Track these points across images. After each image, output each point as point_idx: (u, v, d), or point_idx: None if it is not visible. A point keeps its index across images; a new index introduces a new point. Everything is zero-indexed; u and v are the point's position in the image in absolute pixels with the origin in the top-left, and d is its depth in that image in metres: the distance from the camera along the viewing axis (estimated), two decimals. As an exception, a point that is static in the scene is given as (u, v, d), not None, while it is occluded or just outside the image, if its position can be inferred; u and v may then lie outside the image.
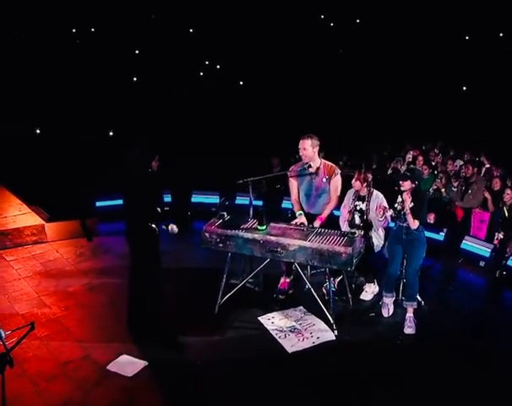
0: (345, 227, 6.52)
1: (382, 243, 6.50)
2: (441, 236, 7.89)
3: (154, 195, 5.94)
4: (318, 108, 16.04)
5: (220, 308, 6.29)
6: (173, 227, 6.18)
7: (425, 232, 7.87)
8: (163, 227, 6.08)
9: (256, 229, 6.04)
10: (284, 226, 6.15)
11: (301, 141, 6.34)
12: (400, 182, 5.85)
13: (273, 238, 5.87)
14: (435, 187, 9.00)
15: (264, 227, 6.04)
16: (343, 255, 5.56)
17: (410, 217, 5.81)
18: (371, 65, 18.15)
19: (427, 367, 5.39)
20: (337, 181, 6.43)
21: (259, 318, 6.20)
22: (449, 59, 17.39)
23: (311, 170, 6.34)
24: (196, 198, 9.63)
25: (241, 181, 6.46)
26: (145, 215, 5.75)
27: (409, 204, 5.81)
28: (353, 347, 5.70)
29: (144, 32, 18.73)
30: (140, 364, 5.36)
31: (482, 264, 7.46)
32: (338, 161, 11.90)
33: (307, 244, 5.72)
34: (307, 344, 5.72)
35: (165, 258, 7.73)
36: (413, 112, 15.81)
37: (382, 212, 6.01)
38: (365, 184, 6.42)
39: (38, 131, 14.09)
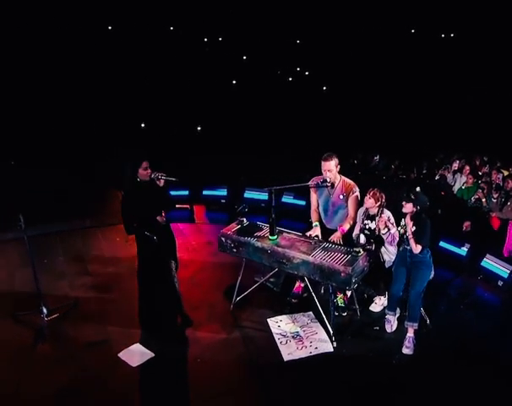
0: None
1: (393, 258, 5.68)
2: (463, 251, 6.78)
3: (142, 206, 5.12)
4: (381, 115, 14.89)
5: (235, 305, 5.94)
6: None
7: (447, 246, 6.90)
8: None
9: (268, 238, 5.47)
10: (295, 237, 5.54)
11: (324, 163, 5.60)
12: (403, 203, 5.00)
13: (280, 249, 5.34)
14: (477, 196, 8.14)
15: (275, 237, 5.49)
16: (342, 274, 4.93)
17: (412, 242, 5.00)
18: (438, 78, 16.51)
19: (415, 387, 4.71)
20: (354, 199, 5.69)
21: (268, 320, 5.76)
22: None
23: (327, 184, 5.58)
24: (248, 194, 9.11)
25: (266, 188, 5.93)
26: (138, 223, 5.19)
27: (411, 228, 4.98)
28: (348, 361, 5.12)
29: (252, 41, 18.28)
30: (147, 355, 5.14)
31: (500, 283, 6.32)
32: (390, 164, 10.89)
33: (310, 258, 5.14)
34: (304, 353, 5.19)
35: (205, 249, 7.47)
36: (470, 122, 14.16)
37: (384, 223, 5.18)
38: (378, 204, 5.57)
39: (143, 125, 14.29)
